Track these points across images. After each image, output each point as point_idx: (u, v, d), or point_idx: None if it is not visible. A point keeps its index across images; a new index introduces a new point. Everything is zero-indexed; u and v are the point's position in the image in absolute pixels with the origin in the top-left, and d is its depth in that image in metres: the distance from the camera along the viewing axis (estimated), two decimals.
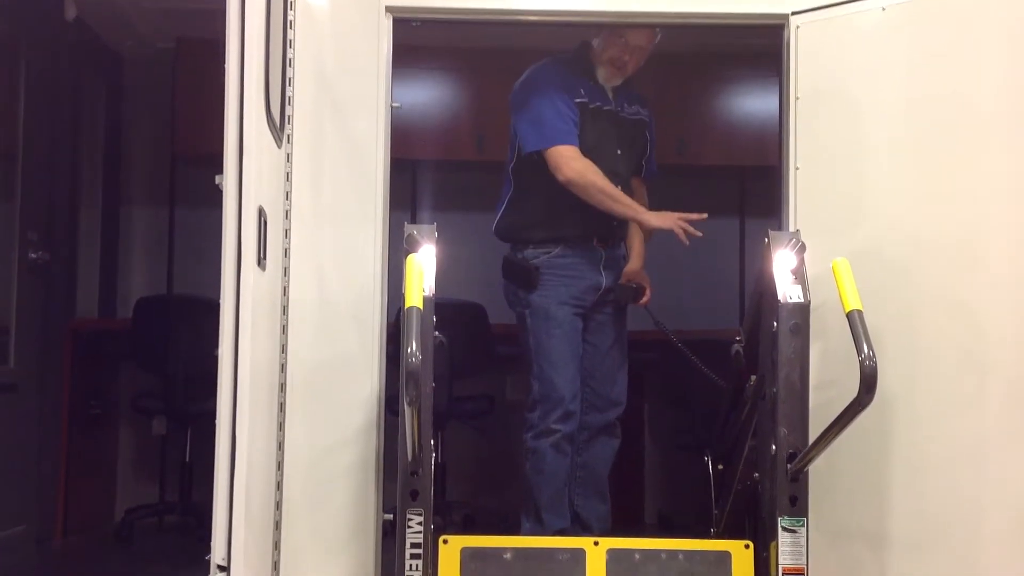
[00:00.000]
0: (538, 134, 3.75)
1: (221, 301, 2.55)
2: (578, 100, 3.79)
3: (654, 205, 4.01)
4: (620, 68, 3.86)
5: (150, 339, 5.01)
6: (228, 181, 2.53)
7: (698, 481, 3.83)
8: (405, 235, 3.08)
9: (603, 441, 3.88)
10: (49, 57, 4.85)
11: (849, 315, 2.72)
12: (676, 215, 3.64)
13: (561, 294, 3.78)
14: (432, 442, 2.98)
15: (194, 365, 4.87)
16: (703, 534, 3.74)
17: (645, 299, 3.84)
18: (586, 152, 3.78)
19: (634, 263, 3.93)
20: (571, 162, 3.70)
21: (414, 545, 2.83)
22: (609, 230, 3.85)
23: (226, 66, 2.57)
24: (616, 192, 3.73)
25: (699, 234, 3.63)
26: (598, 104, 3.84)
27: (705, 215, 3.64)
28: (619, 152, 3.89)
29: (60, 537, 4.92)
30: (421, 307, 2.65)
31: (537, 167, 3.77)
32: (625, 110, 3.93)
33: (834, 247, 3.09)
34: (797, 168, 3.45)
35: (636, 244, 3.96)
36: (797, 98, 3.44)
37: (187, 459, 5.10)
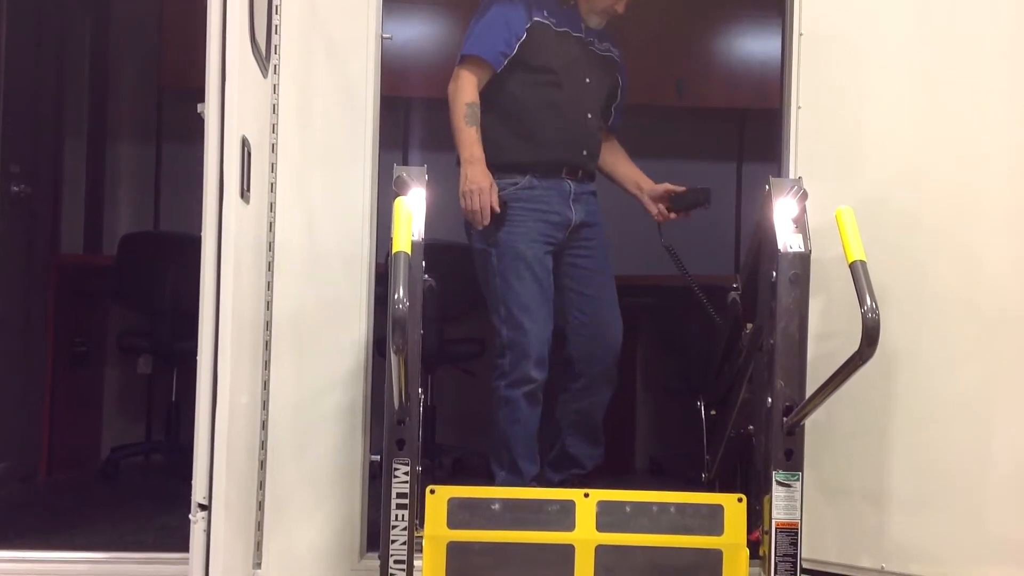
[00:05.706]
0: (466, 39, 3.59)
1: (203, 233, 2.48)
2: (537, 19, 3.58)
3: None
4: (611, 13, 3.71)
5: (136, 276, 4.94)
6: (210, 108, 2.46)
7: (690, 426, 3.78)
8: (394, 177, 2.97)
9: (602, 390, 3.76)
10: None
11: (852, 265, 2.63)
12: (481, 193, 3.45)
13: (531, 230, 3.57)
14: (420, 387, 2.91)
15: (181, 303, 4.81)
16: (694, 480, 3.70)
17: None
18: (551, 75, 3.60)
19: (650, 183, 3.82)
20: (458, 80, 3.53)
21: (400, 495, 2.75)
22: (579, 160, 3.66)
23: None
24: (463, 135, 3.49)
25: (480, 226, 3.49)
26: (566, 29, 3.65)
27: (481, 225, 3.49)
28: (587, 80, 3.69)
29: (45, 474, 4.89)
30: (409, 252, 2.56)
31: (499, 83, 3.59)
32: (595, 45, 3.74)
33: (836, 193, 3.00)
34: (799, 108, 3.33)
35: (634, 169, 3.86)
36: (801, 34, 3.33)
37: (173, 398, 5.05)
